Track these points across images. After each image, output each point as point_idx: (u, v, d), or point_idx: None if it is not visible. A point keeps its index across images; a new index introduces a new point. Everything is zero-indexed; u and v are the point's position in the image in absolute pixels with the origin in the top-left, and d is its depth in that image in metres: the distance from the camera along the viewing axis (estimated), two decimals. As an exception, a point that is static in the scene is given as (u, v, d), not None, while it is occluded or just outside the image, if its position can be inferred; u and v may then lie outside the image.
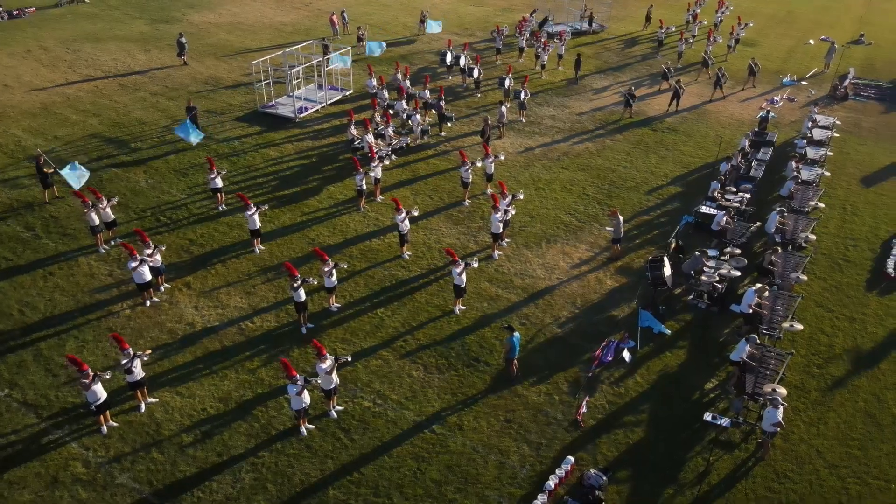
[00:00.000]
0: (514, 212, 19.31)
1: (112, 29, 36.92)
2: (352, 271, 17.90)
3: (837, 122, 26.58)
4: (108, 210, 18.51)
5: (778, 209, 19.18)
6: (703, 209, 20.28)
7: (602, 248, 19.42)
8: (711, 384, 14.97)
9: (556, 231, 20.20)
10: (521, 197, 19.71)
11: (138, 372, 13.37)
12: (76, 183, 19.41)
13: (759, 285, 15.92)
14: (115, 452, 12.92)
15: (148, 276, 16.27)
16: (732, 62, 34.46)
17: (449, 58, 31.17)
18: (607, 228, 19.28)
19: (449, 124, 26.32)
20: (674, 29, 38.11)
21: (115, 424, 13.44)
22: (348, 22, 38.56)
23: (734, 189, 21.16)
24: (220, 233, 19.60)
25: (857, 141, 27.02)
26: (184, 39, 32.05)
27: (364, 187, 20.67)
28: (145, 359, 13.59)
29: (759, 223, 19.53)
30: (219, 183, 20.37)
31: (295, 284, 15.29)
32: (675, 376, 15.15)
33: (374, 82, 27.10)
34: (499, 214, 18.19)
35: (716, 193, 20.85)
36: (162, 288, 17.14)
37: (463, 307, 16.84)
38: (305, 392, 13.01)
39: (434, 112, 26.46)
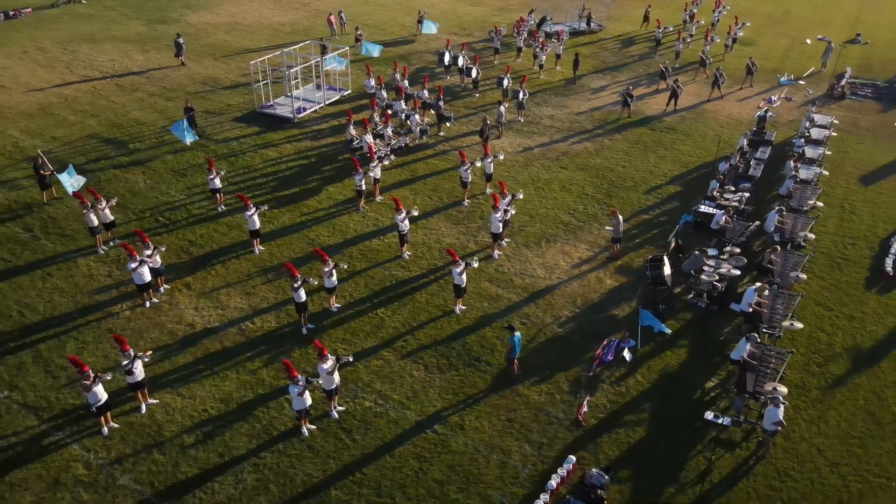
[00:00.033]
0: (513, 211, 19.33)
1: (109, 29, 36.84)
2: (352, 271, 17.89)
3: (835, 122, 26.64)
4: (107, 211, 18.49)
5: (777, 208, 19.22)
6: (703, 208, 20.31)
7: (602, 248, 19.44)
8: (712, 383, 15.00)
9: (555, 231, 20.21)
10: (521, 196, 19.72)
11: (139, 373, 13.36)
12: (69, 188, 19.36)
13: (758, 284, 15.94)
14: (116, 454, 12.89)
15: (148, 277, 16.25)
16: (730, 62, 34.51)
17: (447, 58, 31.22)
18: (607, 228, 19.29)
19: (448, 124, 26.32)
20: (671, 28, 38.18)
21: (116, 426, 13.41)
22: (346, 22, 38.56)
23: (733, 188, 21.20)
24: (220, 233, 19.57)
25: (855, 140, 27.09)
26: (181, 40, 31.98)
27: (363, 187, 20.66)
28: (146, 360, 13.59)
29: (758, 222, 19.59)
30: (218, 183, 20.35)
31: (295, 285, 15.28)
32: (675, 375, 15.18)
33: (373, 82, 27.09)
34: (499, 214, 18.19)
35: (715, 192, 20.89)
36: (161, 289, 17.11)
37: (463, 307, 16.84)
38: (307, 392, 13.00)
39: (433, 112, 26.43)
